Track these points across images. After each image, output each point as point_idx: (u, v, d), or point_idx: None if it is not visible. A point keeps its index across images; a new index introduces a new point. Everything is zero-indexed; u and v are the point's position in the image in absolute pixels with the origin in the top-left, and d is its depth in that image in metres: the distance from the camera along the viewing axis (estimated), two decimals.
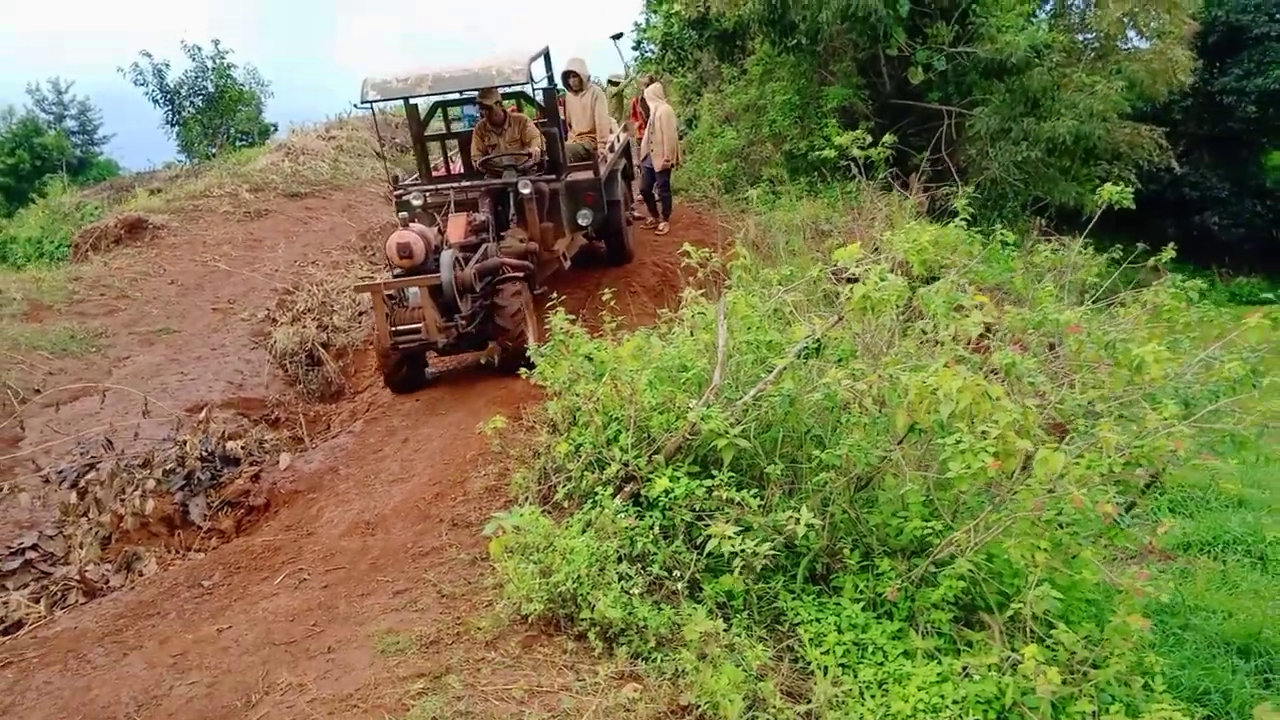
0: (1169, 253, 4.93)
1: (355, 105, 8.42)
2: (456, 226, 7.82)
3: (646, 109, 11.91)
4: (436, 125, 10.67)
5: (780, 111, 15.19)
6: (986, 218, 14.43)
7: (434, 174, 9.49)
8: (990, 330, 4.50)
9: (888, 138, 8.50)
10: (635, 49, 20.13)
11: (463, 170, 9.37)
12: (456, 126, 10.04)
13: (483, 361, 7.57)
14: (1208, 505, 7.53)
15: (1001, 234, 5.16)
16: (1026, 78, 13.33)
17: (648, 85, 12.36)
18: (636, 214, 11.90)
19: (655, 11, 18.54)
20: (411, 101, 9.27)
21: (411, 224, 7.30)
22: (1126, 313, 4.81)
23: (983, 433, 3.18)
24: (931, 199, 11.79)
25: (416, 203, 8.38)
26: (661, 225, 12.07)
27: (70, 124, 48.29)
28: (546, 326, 5.61)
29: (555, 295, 6.03)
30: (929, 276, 5.19)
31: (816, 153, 11.33)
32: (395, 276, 7.25)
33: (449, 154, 9.93)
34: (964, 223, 5.48)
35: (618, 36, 13.94)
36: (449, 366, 8.22)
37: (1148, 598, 3.79)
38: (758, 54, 15.86)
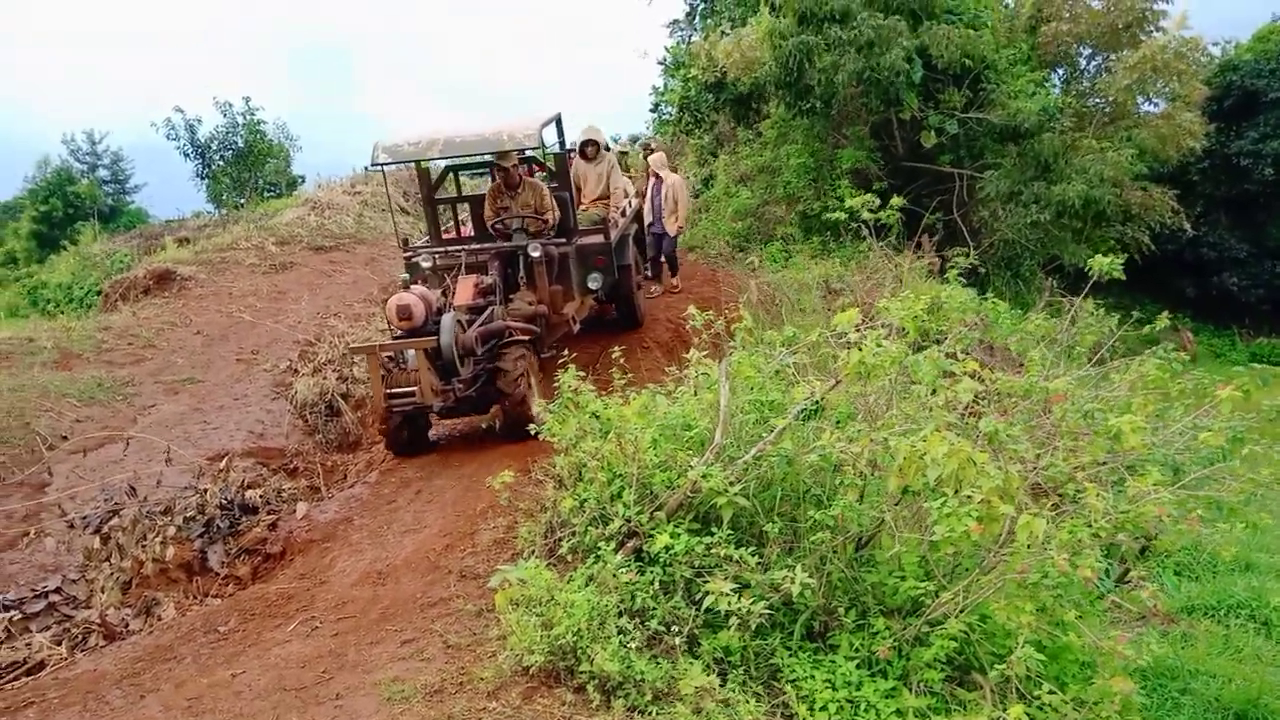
0: (1162, 321, 5.06)
1: (366, 168, 8.55)
2: (464, 289, 7.87)
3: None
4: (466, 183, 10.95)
5: (794, 173, 15.49)
6: (1000, 277, 14.63)
7: (445, 236, 9.61)
8: (985, 394, 4.64)
9: (897, 200, 8.69)
10: (653, 111, 20.60)
11: (473, 233, 9.45)
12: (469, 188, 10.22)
13: (484, 426, 7.61)
14: (1213, 569, 7.53)
15: (994, 302, 5.30)
16: (1037, 142, 13.58)
17: (649, 154, 12.70)
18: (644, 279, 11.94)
19: (673, 76, 18.99)
20: (423, 164, 9.35)
21: (412, 286, 7.33)
22: (1121, 378, 4.93)
23: (967, 497, 3.30)
24: (943, 259, 11.97)
25: (426, 265, 8.46)
26: (674, 281, 12.28)
27: (103, 173, 49.39)
28: (556, 385, 5.64)
29: (568, 352, 6.20)
30: (935, 339, 5.35)
31: (830, 214, 11.56)
32: (394, 338, 7.22)
33: (460, 217, 10.02)
34: (967, 284, 5.63)
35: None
36: (459, 426, 8.28)
37: (1145, 661, 3.87)
38: (773, 117, 16.22)
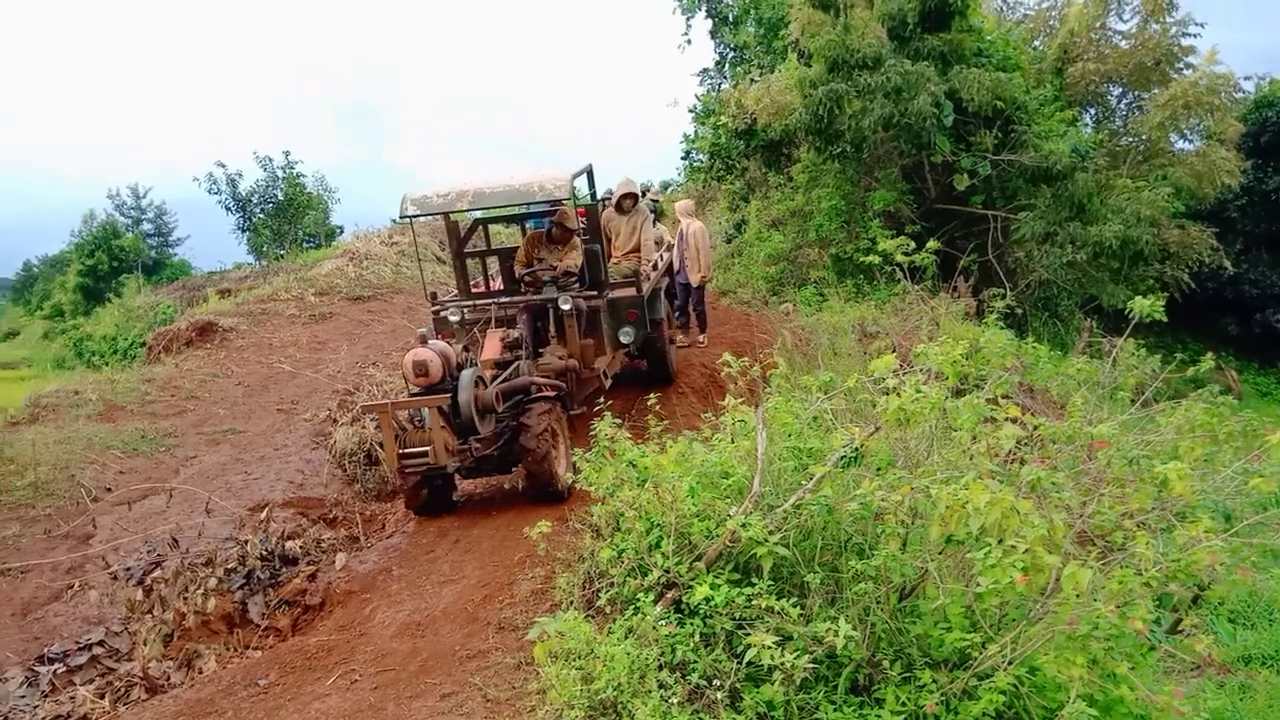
0: (1207, 362, 4.98)
1: (394, 220, 8.60)
2: (492, 343, 7.70)
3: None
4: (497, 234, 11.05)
5: (826, 216, 15.53)
6: (1037, 318, 14.51)
7: (474, 289, 9.50)
8: (1027, 440, 4.58)
9: (933, 244, 8.69)
10: (684, 158, 20.78)
11: (503, 286, 9.37)
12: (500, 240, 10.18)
13: (506, 486, 7.42)
14: (1269, 617, 7.34)
15: (1034, 345, 5.25)
16: (1071, 183, 13.51)
17: (678, 202, 12.75)
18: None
19: (703, 123, 19.18)
20: (452, 217, 9.17)
21: (430, 341, 7.05)
22: (1166, 422, 4.84)
23: (1011, 547, 3.25)
24: (979, 301, 11.90)
25: (454, 318, 8.37)
26: (701, 338, 12.05)
27: (147, 227, 50.73)
28: (592, 435, 5.55)
29: (603, 399, 6.20)
30: (974, 383, 5.30)
31: (863, 256, 11.56)
32: (411, 395, 6.95)
33: (489, 270, 9.94)
34: (1004, 326, 5.58)
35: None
36: (489, 481, 8.14)
37: (1203, 715, 3.76)
38: (803, 161, 16.31)
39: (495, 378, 7.31)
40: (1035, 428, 4.55)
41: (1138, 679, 3.69)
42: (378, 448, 9.60)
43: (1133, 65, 16.01)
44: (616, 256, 10.16)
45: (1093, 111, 17.57)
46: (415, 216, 8.09)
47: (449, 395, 6.78)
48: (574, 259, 8.56)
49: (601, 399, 6.18)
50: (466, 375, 6.92)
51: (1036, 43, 17.47)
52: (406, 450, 6.71)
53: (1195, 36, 15.64)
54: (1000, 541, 3.31)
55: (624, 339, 8.87)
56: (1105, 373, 5.81)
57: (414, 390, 6.89)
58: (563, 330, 8.22)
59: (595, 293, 8.64)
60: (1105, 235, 13.21)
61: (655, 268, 10.13)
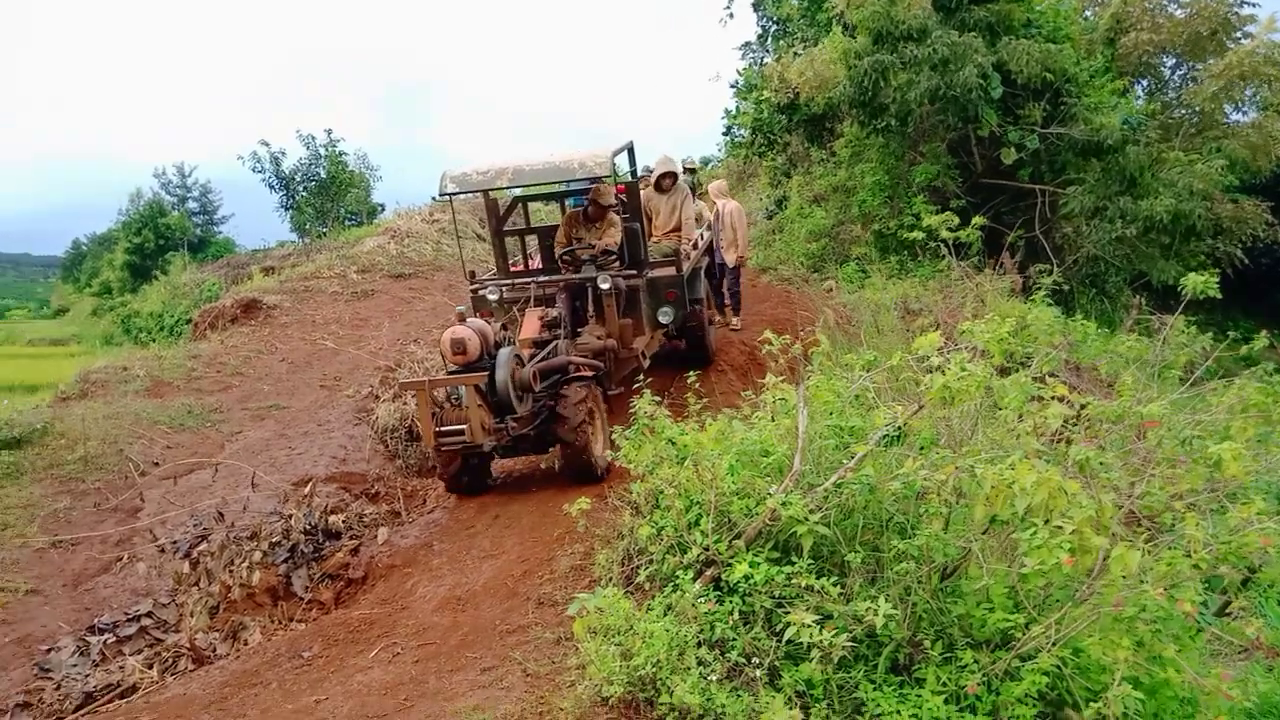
0: (1261, 340, 4.84)
1: (434, 198, 8.51)
2: (530, 322, 7.71)
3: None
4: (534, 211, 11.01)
5: (869, 192, 15.32)
6: (1084, 295, 14.24)
7: (513, 268, 9.43)
8: (1077, 418, 4.49)
9: (978, 219, 8.55)
10: (725, 134, 20.61)
11: (542, 265, 9.30)
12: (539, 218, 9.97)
13: (543, 466, 7.36)
14: None
15: (1083, 324, 5.14)
16: (1122, 156, 13.19)
17: (712, 181, 12.60)
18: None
19: (745, 98, 18.98)
20: (491, 195, 9.15)
21: (469, 318, 7.02)
22: (1218, 401, 4.72)
23: (1058, 528, 3.19)
24: (1026, 278, 11.70)
25: (493, 297, 8.33)
26: (735, 321, 11.87)
27: (192, 205, 51.36)
28: (631, 414, 5.47)
29: (642, 379, 6.16)
30: (1020, 361, 5.21)
31: (906, 233, 11.40)
32: (449, 374, 6.92)
33: (528, 249, 9.83)
34: (1052, 303, 5.47)
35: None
36: (530, 459, 8.09)
37: (1251, 700, 3.68)
38: (846, 136, 16.10)
39: (533, 357, 7.26)
40: (1083, 406, 4.46)
41: (1184, 662, 3.62)
42: (417, 424, 9.67)
43: (1188, 35, 15.58)
44: (657, 235, 10.06)
45: (1145, 83, 17.13)
46: (454, 194, 8.02)
47: (486, 374, 6.73)
48: (613, 236, 8.51)
49: (640, 378, 6.15)
50: (504, 354, 6.86)
51: (1088, 13, 17.05)
52: (443, 428, 6.68)
53: (1254, 5, 15.17)
54: (1047, 522, 3.25)
55: (663, 319, 8.80)
56: (1155, 351, 5.68)
57: (451, 368, 6.85)
58: (601, 310, 8.15)
59: (635, 272, 8.54)
60: (1156, 210, 12.89)
61: (695, 247, 10.04)
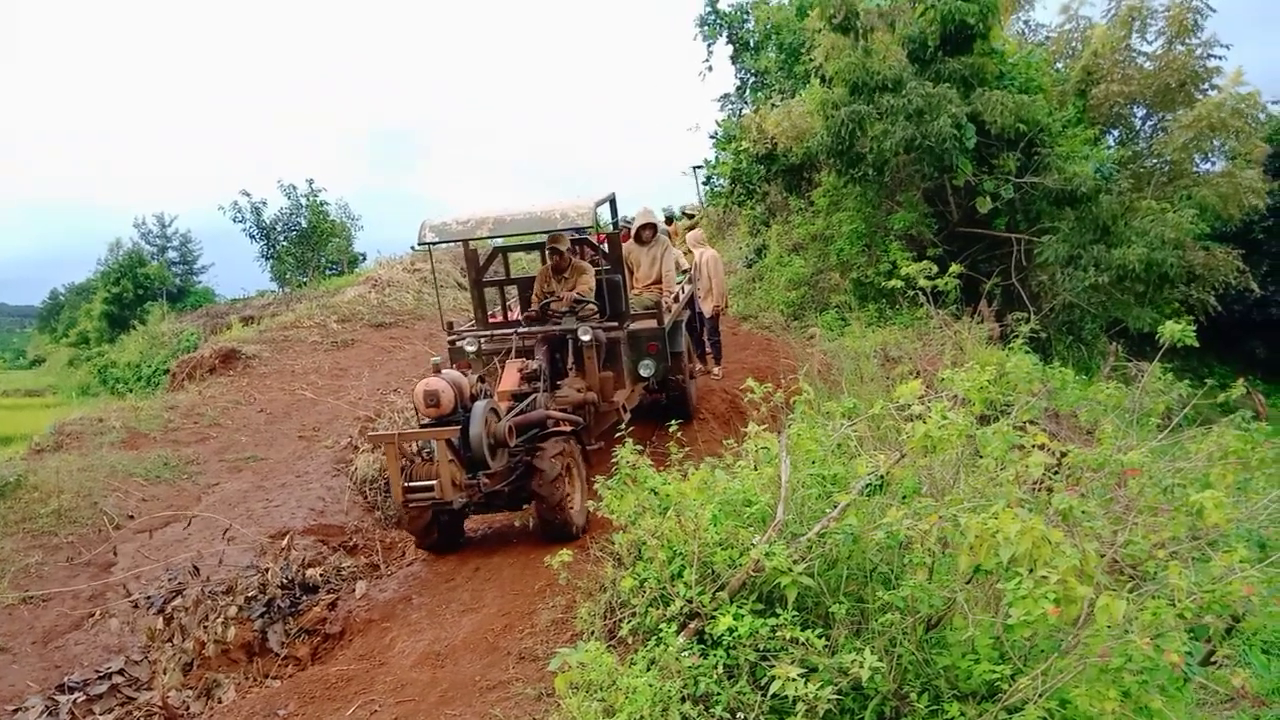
0: (1238, 389, 4.89)
1: (413, 247, 8.36)
2: (510, 375, 7.52)
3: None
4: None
5: (847, 240, 15.49)
6: (1061, 341, 14.37)
7: (492, 319, 9.33)
8: (1058, 466, 4.50)
9: (955, 268, 8.61)
10: (705, 184, 20.82)
11: (521, 316, 9.10)
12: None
13: (517, 525, 7.15)
14: None
15: (1061, 371, 5.17)
16: (1095, 205, 13.41)
17: (689, 230, 12.67)
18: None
19: (724, 149, 19.21)
20: (471, 245, 9.02)
21: (444, 370, 6.79)
22: (1197, 448, 4.75)
23: (1042, 577, 3.17)
24: (1003, 325, 11.79)
25: (470, 349, 8.18)
26: (716, 369, 11.82)
27: (171, 254, 51.34)
28: (613, 465, 5.43)
29: (623, 428, 6.13)
30: (1001, 409, 5.22)
31: (885, 281, 11.48)
32: (422, 426, 6.73)
33: (507, 300, 9.80)
34: (1029, 350, 5.50)
35: (698, 167, 14.38)
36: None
37: None
38: (824, 185, 16.30)
39: (511, 410, 7.09)
40: (1063, 454, 4.47)
41: (1172, 713, 3.59)
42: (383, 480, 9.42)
43: (1157, 86, 15.90)
44: (638, 288, 9.98)
45: (1116, 133, 17.44)
46: (434, 244, 7.93)
47: (459, 427, 6.52)
48: (585, 284, 8.39)
49: (621, 428, 6.10)
50: (479, 407, 6.65)
51: (1059, 64, 17.39)
52: (412, 483, 6.49)
53: (1221, 59, 15.53)
54: (1031, 572, 3.24)
55: (644, 372, 8.65)
56: (1133, 398, 5.72)
57: (425, 421, 6.65)
58: (581, 362, 8.04)
59: (615, 324, 8.43)
60: (1129, 258, 13.07)
61: (677, 299, 9.95)
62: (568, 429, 7.20)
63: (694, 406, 9.97)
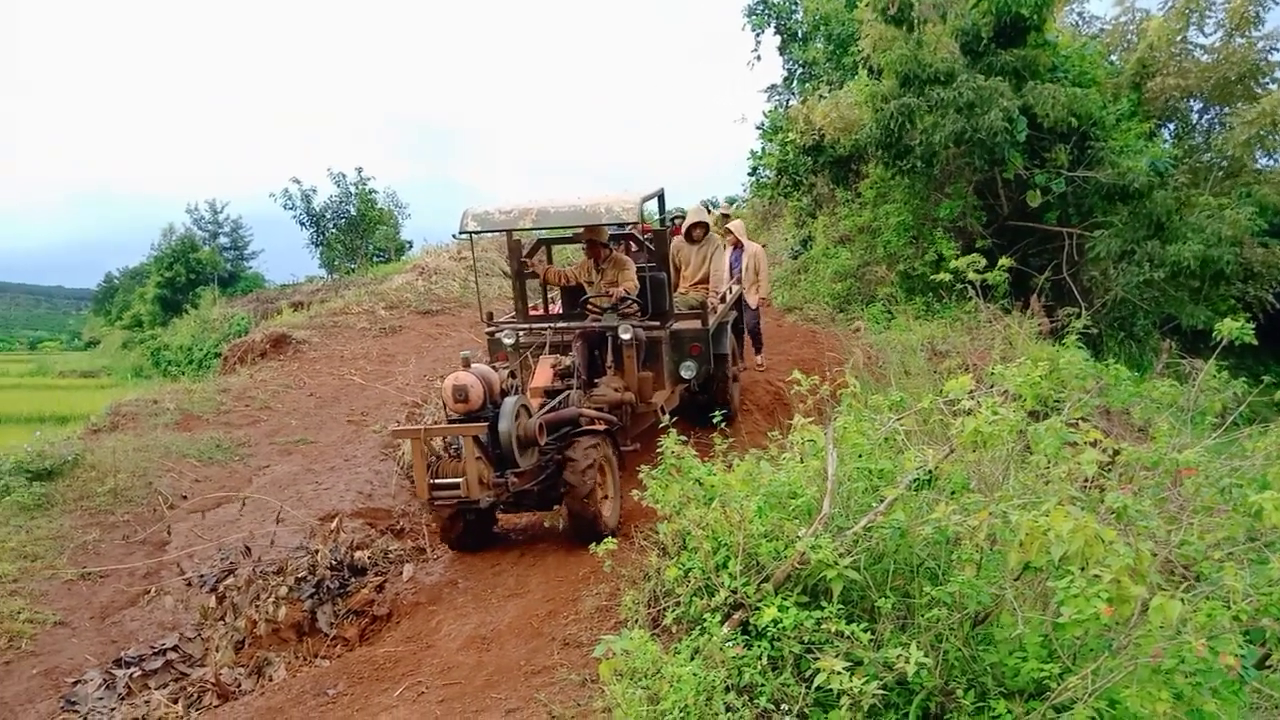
0: None
1: (454, 235, 8.20)
2: (543, 370, 7.35)
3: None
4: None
5: (894, 232, 15.35)
6: (1113, 338, 14.14)
7: (533, 311, 9.12)
8: (1111, 463, 4.44)
9: (1005, 261, 8.51)
10: (751, 175, 20.73)
11: (562, 310, 8.99)
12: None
13: (547, 525, 7.01)
14: None
15: (1115, 367, 5.10)
16: (1149, 201, 13.17)
17: (727, 222, 12.50)
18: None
19: (770, 140, 19.10)
20: (514, 235, 8.77)
21: (474, 364, 6.56)
22: (1254, 447, 4.66)
23: (1095, 576, 3.15)
24: (1053, 321, 11.63)
25: (508, 341, 8.06)
26: (759, 359, 11.64)
27: (223, 240, 52.07)
28: (655, 458, 5.39)
29: (670, 417, 6.14)
30: (1052, 405, 5.16)
31: (933, 274, 11.36)
32: (450, 422, 6.51)
33: (549, 293, 9.55)
34: (1083, 347, 5.42)
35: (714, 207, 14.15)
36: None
37: None
38: (872, 177, 16.15)
39: (543, 407, 6.91)
40: (1116, 452, 4.42)
41: (1225, 716, 3.55)
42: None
43: (1215, 80, 15.56)
44: (684, 286, 9.78)
45: (1172, 126, 17.10)
46: (475, 233, 7.75)
47: (487, 424, 6.34)
48: (626, 279, 8.18)
49: (668, 417, 6.08)
50: (509, 403, 6.47)
51: (1113, 57, 17.09)
52: (437, 480, 6.29)
53: None
54: (1083, 570, 3.21)
55: (685, 373, 8.37)
56: (1188, 396, 5.62)
57: (453, 416, 6.45)
58: (620, 360, 7.82)
59: (658, 323, 8.15)
60: (1184, 254, 12.83)
61: (724, 300, 9.71)
62: (601, 429, 6.97)
63: (736, 410, 9.65)
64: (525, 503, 6.88)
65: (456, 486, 6.18)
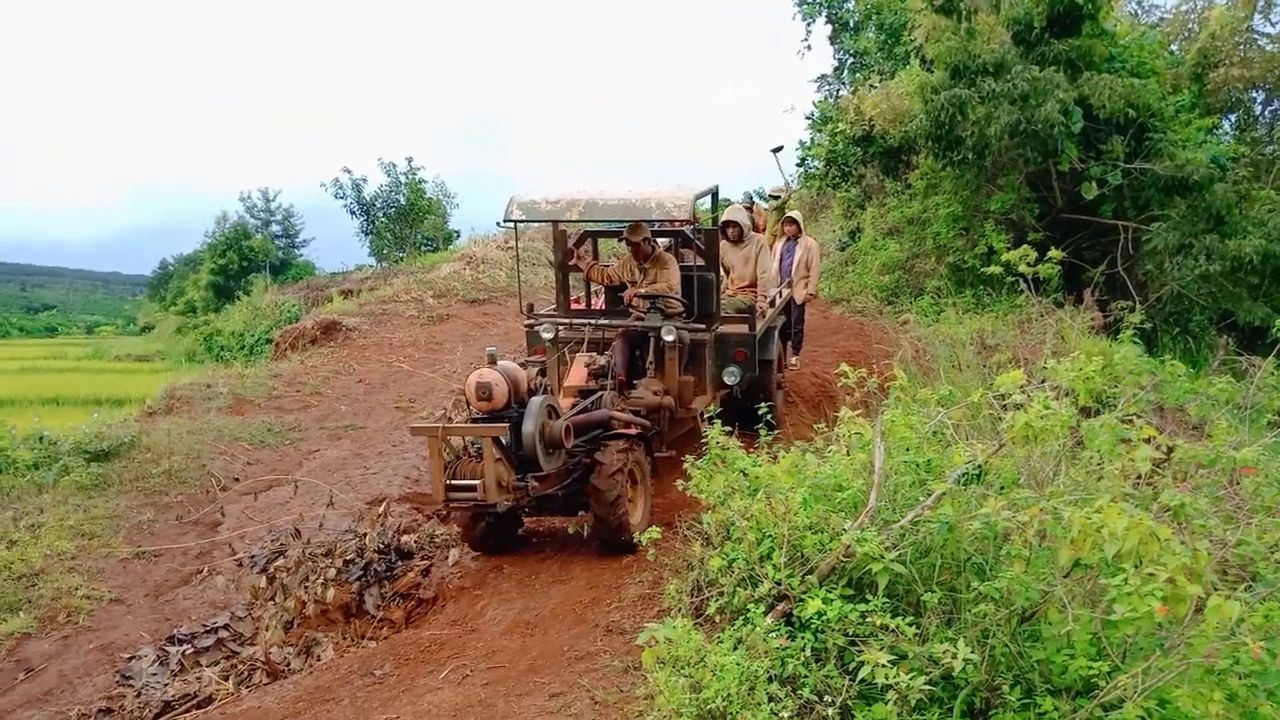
0: None
1: (499, 224, 7.63)
2: (578, 368, 7.14)
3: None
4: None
5: (944, 224, 15.15)
6: (1167, 333, 13.86)
7: (574, 305, 8.85)
8: (1165, 461, 4.37)
9: (1056, 253, 8.36)
10: (799, 165, 20.59)
11: (605, 306, 8.70)
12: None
13: (571, 531, 6.79)
14: None
15: (1170, 363, 5.00)
16: (1209, 194, 12.85)
17: (780, 207, 12.31)
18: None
19: (819, 130, 18.95)
20: (561, 226, 8.44)
21: (500, 361, 6.22)
22: None
23: (1149, 574, 3.10)
24: (1106, 315, 11.42)
25: (547, 336, 7.80)
26: (794, 360, 11.17)
27: (275, 228, 52.85)
28: (701, 446, 5.32)
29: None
30: (1105, 401, 5.08)
31: (983, 267, 11.21)
32: (472, 420, 6.19)
33: (593, 287, 9.22)
34: (1138, 342, 5.32)
35: (778, 150, 14.09)
36: None
37: None
38: (922, 168, 15.95)
39: (574, 408, 6.65)
40: (1171, 449, 4.34)
41: None
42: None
43: None
44: (733, 289, 9.49)
45: (1233, 118, 16.67)
46: (520, 222, 7.53)
47: (508, 424, 5.99)
48: (666, 278, 7.92)
49: (717, 414, 5.93)
50: (535, 403, 6.14)
51: (1174, 46, 16.68)
52: (455, 481, 5.95)
53: None
54: (1137, 568, 3.16)
55: (728, 379, 8.06)
56: (1245, 393, 5.50)
57: (476, 415, 6.12)
58: (662, 362, 7.51)
59: (703, 325, 7.83)
60: (1245, 249, 12.49)
61: (773, 304, 9.39)
62: (634, 432, 6.67)
63: (780, 420, 9.01)
64: (549, 507, 6.63)
65: (473, 489, 5.86)
